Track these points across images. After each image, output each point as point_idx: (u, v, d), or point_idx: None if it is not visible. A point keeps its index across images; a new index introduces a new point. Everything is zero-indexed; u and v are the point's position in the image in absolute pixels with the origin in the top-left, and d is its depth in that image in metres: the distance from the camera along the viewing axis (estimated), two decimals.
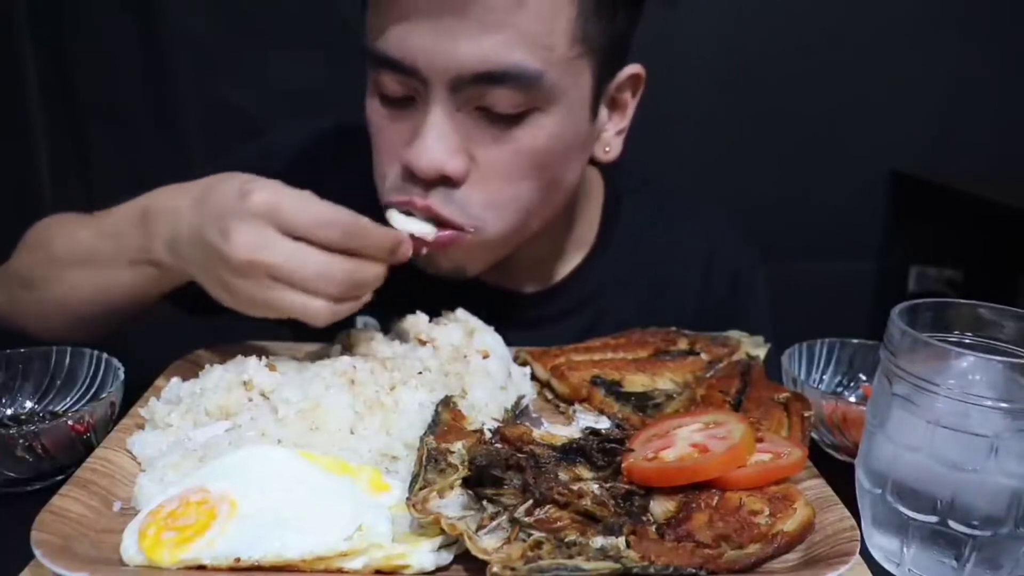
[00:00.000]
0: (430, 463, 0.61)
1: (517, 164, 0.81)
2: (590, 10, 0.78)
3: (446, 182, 0.79)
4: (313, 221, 0.70)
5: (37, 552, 0.52)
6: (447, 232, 0.81)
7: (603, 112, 0.89)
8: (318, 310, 0.71)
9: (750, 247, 1.12)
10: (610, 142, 0.92)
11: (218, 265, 0.71)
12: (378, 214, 0.79)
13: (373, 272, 0.73)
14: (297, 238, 0.70)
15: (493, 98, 0.77)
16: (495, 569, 0.52)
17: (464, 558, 0.56)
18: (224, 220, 0.70)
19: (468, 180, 0.80)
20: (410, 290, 0.87)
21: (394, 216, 0.81)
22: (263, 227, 0.69)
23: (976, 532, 0.58)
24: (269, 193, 0.70)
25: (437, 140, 0.77)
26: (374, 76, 0.81)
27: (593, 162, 0.93)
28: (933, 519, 0.59)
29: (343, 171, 0.93)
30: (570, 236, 1.02)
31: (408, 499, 0.57)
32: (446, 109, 0.77)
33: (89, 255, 0.86)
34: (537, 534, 0.55)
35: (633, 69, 0.88)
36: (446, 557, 0.56)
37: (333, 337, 0.85)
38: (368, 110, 0.84)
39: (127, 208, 0.83)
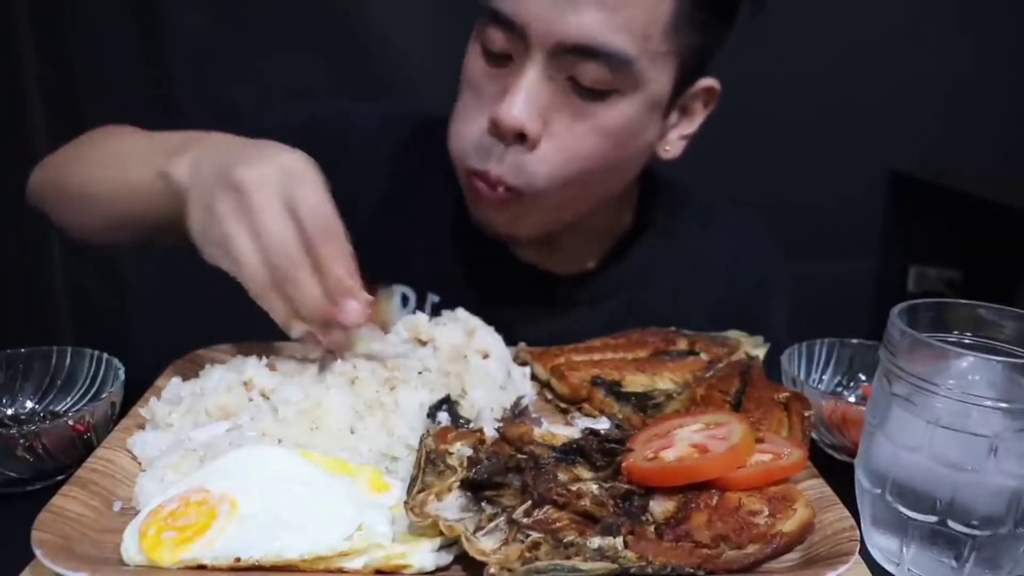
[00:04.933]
0: (428, 465, 0.61)
1: (588, 139, 0.85)
2: (684, 12, 0.83)
3: (522, 141, 0.84)
4: (315, 203, 0.69)
5: (37, 552, 0.52)
6: (504, 192, 0.86)
7: (674, 114, 0.93)
8: (253, 270, 0.68)
9: (777, 252, 1.14)
10: (673, 143, 0.96)
11: (219, 179, 0.70)
12: (441, 200, 0.80)
13: (310, 295, 0.69)
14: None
15: (584, 71, 0.81)
16: (492, 570, 0.52)
17: (464, 558, 0.56)
18: (259, 153, 0.71)
19: (539, 147, 0.84)
20: (451, 264, 0.98)
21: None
22: (271, 173, 0.69)
23: (976, 532, 0.58)
24: (295, 157, 0.71)
25: (526, 100, 0.82)
26: (480, 29, 0.85)
27: (650, 182, 0.98)
28: (933, 519, 0.59)
29: (415, 155, 1.02)
30: (610, 224, 1.05)
31: (406, 502, 0.58)
32: (540, 73, 0.82)
33: (119, 153, 0.89)
34: (535, 535, 0.55)
35: (709, 82, 0.93)
36: (446, 557, 0.57)
37: None
38: (467, 66, 0.88)
39: (186, 132, 0.85)
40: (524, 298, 0.89)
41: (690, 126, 0.96)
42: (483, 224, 0.94)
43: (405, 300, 1.02)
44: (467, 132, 0.87)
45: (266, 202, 0.68)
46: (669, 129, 0.94)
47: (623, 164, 0.91)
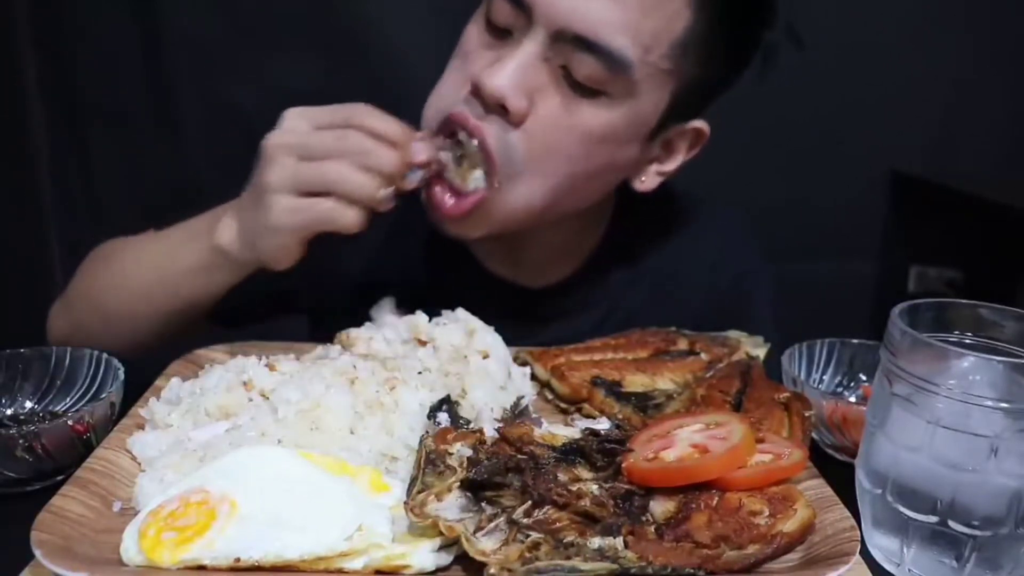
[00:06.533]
0: (428, 465, 0.61)
1: (566, 135, 0.84)
2: (696, 36, 0.82)
3: (502, 116, 0.82)
4: (330, 109, 0.79)
5: (37, 552, 0.52)
6: (468, 200, 0.84)
7: (657, 146, 0.91)
8: (350, 176, 0.76)
9: (757, 249, 1.13)
10: (650, 176, 0.94)
11: (260, 182, 0.78)
12: (410, 222, 0.84)
13: (384, 152, 0.77)
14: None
15: (579, 63, 0.80)
16: (492, 571, 0.52)
17: (464, 558, 0.56)
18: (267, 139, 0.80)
19: (521, 128, 0.82)
20: (424, 281, 0.97)
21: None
22: (287, 123, 0.79)
23: (976, 532, 0.58)
24: (295, 108, 0.80)
25: (515, 71, 0.80)
26: (488, 1, 0.84)
27: (625, 187, 0.95)
28: (933, 519, 0.59)
29: None
30: (578, 241, 1.03)
31: (406, 503, 0.57)
32: (537, 51, 0.80)
33: (159, 260, 0.92)
34: (535, 535, 0.55)
35: (699, 124, 0.91)
36: (446, 558, 0.57)
37: (333, 337, 0.85)
38: (464, 35, 0.87)
39: (202, 216, 0.90)
40: (501, 314, 0.86)
41: (671, 163, 0.94)
42: (434, 222, 0.89)
43: None
44: (448, 93, 0.85)
45: (300, 133, 0.77)
46: (649, 161, 0.92)
47: (594, 174, 0.88)
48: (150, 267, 0.93)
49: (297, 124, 0.78)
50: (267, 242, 0.80)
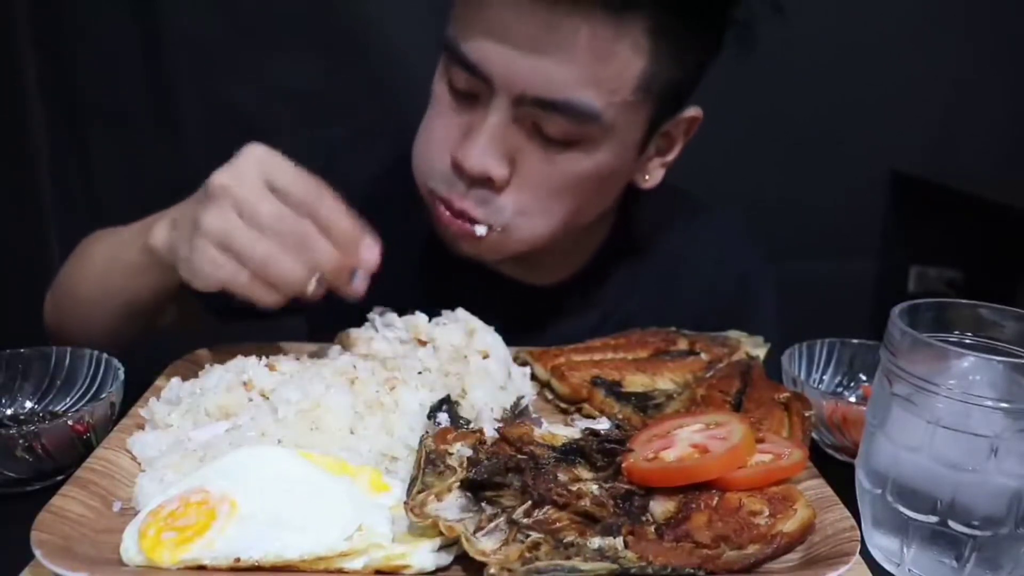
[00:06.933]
0: (428, 465, 0.61)
1: (555, 183, 0.84)
2: (662, 61, 0.80)
3: (487, 184, 0.82)
4: (292, 175, 0.71)
5: (37, 552, 0.52)
6: (470, 226, 0.85)
7: (653, 146, 0.91)
8: (279, 262, 0.70)
9: (759, 250, 1.13)
10: (652, 172, 0.94)
11: (198, 201, 0.71)
12: (412, 217, 0.83)
13: (325, 249, 0.71)
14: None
15: (548, 122, 0.80)
16: (492, 571, 0.52)
17: (464, 558, 0.56)
18: (214, 172, 0.72)
19: (507, 188, 0.83)
20: (427, 277, 0.97)
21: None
22: (245, 167, 0.71)
23: (976, 532, 0.58)
24: (259, 147, 0.73)
25: (488, 144, 0.80)
26: (446, 64, 0.83)
27: (628, 188, 0.95)
28: (933, 519, 0.59)
29: (382, 177, 1.01)
30: (587, 234, 1.03)
31: (406, 503, 0.58)
32: (504, 117, 0.80)
33: (111, 253, 0.91)
34: (535, 535, 0.55)
35: (692, 112, 0.90)
36: (446, 558, 0.56)
37: (333, 337, 0.85)
38: (435, 88, 0.87)
39: (155, 215, 0.85)
40: (502, 311, 0.87)
41: (670, 154, 0.94)
42: (447, 244, 0.91)
43: None
44: (432, 157, 0.86)
45: (251, 189, 0.70)
46: (648, 160, 0.92)
47: (593, 201, 0.90)
48: (106, 260, 0.93)
49: (250, 170, 0.71)
50: (186, 272, 0.73)
